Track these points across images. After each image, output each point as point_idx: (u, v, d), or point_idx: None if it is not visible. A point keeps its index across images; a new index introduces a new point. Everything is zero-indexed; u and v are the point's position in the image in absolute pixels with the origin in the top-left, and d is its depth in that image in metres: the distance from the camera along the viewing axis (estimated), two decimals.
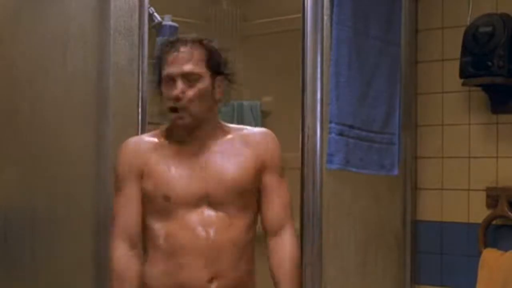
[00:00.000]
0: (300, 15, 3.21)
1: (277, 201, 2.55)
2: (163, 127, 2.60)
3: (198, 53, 2.48)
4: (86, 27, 2.79)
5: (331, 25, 3.26)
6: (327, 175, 3.23)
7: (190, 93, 2.45)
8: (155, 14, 3.73)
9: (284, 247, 2.53)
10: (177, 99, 2.44)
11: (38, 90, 2.70)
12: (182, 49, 2.47)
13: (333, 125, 3.23)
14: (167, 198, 2.45)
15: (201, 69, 2.47)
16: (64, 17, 2.76)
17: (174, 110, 2.47)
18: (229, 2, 4.35)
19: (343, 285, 3.50)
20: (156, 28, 3.78)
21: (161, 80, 2.51)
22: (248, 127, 2.65)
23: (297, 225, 2.89)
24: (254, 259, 2.58)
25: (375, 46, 3.45)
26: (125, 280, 2.45)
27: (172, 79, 2.46)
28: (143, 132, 2.83)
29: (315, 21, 3.19)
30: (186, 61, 2.46)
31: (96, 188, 2.79)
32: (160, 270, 2.48)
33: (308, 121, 3.16)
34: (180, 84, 2.44)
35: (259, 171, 2.53)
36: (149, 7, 3.12)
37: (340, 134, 3.26)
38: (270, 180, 2.55)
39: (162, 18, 3.79)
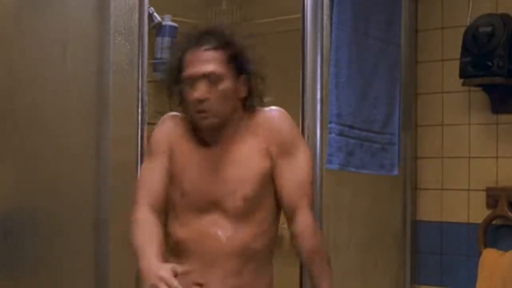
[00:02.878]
0: (300, 15, 3.21)
1: (288, 184, 2.42)
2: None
3: (220, 51, 2.38)
4: (86, 27, 2.79)
5: (331, 26, 3.25)
6: (327, 175, 3.23)
7: (214, 94, 2.37)
8: (155, 14, 3.74)
9: (298, 233, 2.39)
10: (200, 101, 2.36)
11: (38, 90, 2.70)
12: (203, 48, 2.38)
13: (333, 125, 3.23)
14: (183, 194, 2.41)
15: (223, 69, 2.38)
16: (64, 17, 2.76)
17: (199, 112, 2.38)
18: (229, 2, 4.34)
19: (343, 285, 3.49)
20: (156, 28, 3.78)
21: (178, 79, 2.42)
22: (263, 111, 2.52)
23: None
24: (265, 267, 2.49)
25: (375, 46, 3.46)
26: (148, 233, 2.32)
27: (193, 80, 2.37)
28: (142, 132, 2.83)
29: (315, 21, 3.20)
30: (207, 61, 2.37)
31: (96, 188, 2.79)
32: None
33: (308, 121, 3.16)
34: (202, 86, 2.36)
35: (272, 160, 2.43)
36: (149, 7, 3.12)
37: (340, 134, 3.26)
38: (281, 164, 2.43)
39: (162, 18, 3.79)
